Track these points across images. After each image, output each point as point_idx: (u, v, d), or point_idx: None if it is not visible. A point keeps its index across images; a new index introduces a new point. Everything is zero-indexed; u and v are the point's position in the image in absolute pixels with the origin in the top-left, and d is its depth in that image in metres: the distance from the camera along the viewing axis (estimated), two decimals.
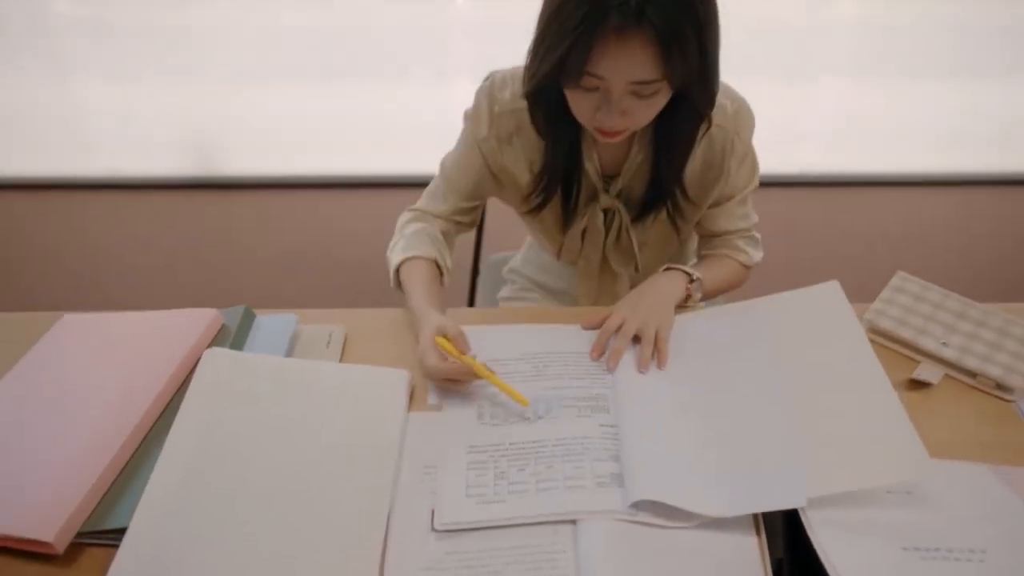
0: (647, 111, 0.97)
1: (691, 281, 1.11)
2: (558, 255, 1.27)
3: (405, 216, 1.21)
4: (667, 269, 1.13)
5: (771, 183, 2.56)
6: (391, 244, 1.17)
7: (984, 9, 2.25)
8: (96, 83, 2.40)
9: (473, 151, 1.15)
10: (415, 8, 2.23)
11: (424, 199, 1.21)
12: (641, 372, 0.98)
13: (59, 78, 2.37)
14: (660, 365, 0.99)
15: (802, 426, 0.88)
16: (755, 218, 1.23)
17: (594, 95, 0.95)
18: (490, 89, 1.13)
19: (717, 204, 1.19)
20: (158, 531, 0.77)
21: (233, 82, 2.40)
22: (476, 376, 0.94)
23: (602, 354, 1.02)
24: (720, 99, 1.03)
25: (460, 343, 0.95)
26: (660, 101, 0.96)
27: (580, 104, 0.98)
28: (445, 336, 0.95)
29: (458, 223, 1.21)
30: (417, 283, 1.08)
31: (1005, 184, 2.56)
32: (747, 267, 1.24)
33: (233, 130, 2.52)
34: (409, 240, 1.14)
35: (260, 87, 2.41)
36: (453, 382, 0.96)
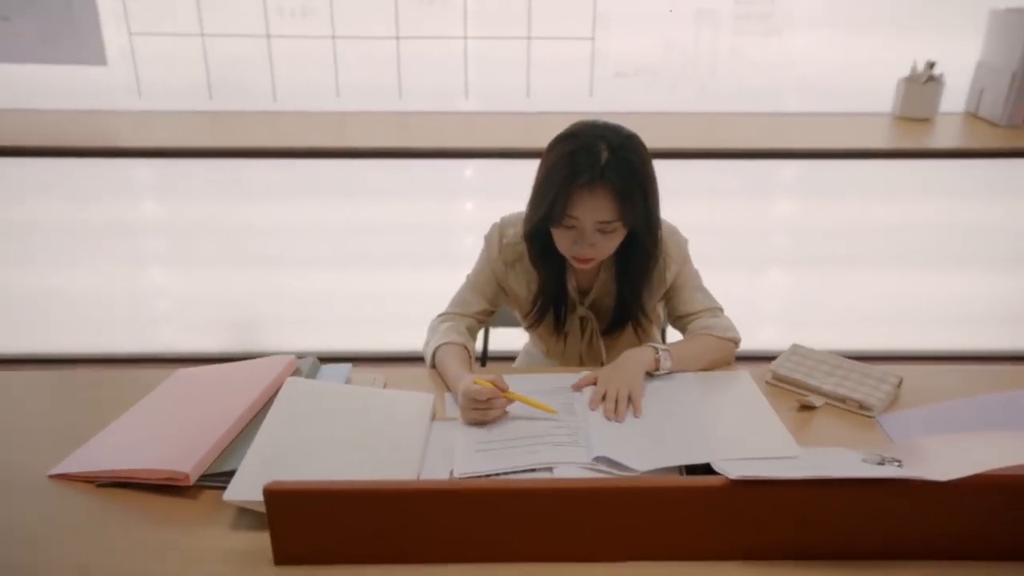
0: (609, 244, 1.40)
1: (658, 352, 1.40)
2: (547, 353, 1.67)
3: (436, 320, 1.58)
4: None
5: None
6: (426, 341, 1.53)
7: (889, 210, 2.80)
8: (160, 270, 2.91)
9: (487, 268, 1.57)
10: (429, 208, 2.78)
11: (452, 306, 1.59)
12: (612, 420, 1.26)
13: (134, 266, 2.87)
14: (636, 413, 1.28)
15: (714, 427, 1.25)
16: (718, 302, 1.56)
17: (572, 232, 1.39)
18: (501, 227, 1.56)
19: (672, 295, 1.55)
20: (258, 468, 1.11)
21: (274, 268, 2.89)
22: (508, 399, 1.26)
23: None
24: None
25: (497, 382, 1.27)
26: (618, 237, 1.40)
27: (562, 239, 1.41)
28: (482, 380, 1.26)
29: (479, 321, 1.60)
30: (452, 358, 1.43)
31: (937, 360, 2.98)
32: (723, 339, 1.49)
33: (273, 310, 2.98)
34: (443, 333, 1.50)
35: (297, 273, 2.89)
36: (484, 411, 1.25)
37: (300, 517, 0.98)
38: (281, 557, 1.00)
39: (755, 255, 2.91)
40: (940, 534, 1.00)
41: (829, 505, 0.99)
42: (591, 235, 1.37)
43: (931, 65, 2.55)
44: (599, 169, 1.32)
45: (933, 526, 1.00)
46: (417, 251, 2.84)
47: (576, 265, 1.44)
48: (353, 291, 2.90)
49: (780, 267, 2.95)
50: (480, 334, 1.79)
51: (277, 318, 3.00)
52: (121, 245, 2.83)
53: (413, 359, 2.97)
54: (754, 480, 0.97)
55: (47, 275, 2.84)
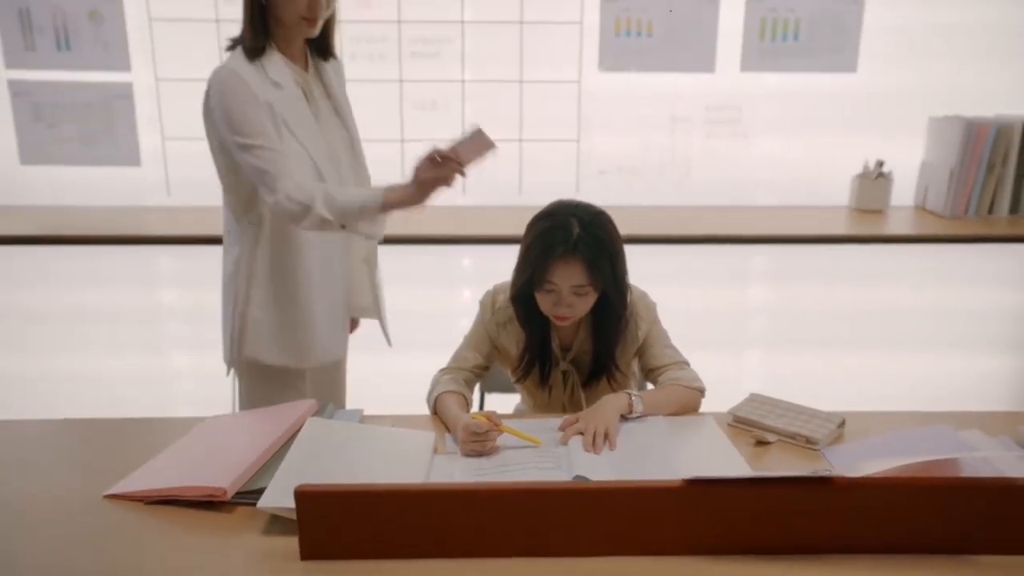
0: (583, 305, 1.64)
1: (631, 398, 1.61)
2: (533, 406, 1.87)
3: (438, 373, 1.78)
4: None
5: None
6: (429, 391, 1.73)
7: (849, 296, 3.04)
8: (183, 351, 3.12)
9: (482, 328, 1.80)
10: (431, 294, 3.02)
11: (452, 361, 1.80)
12: (589, 452, 1.46)
13: (154, 348, 3.08)
14: (611, 447, 1.48)
15: (679, 456, 1.45)
16: (684, 357, 1.77)
17: (551, 295, 1.63)
18: (494, 293, 1.81)
19: (643, 352, 1.77)
20: (286, 483, 1.29)
21: None
22: (500, 430, 1.47)
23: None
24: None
25: (492, 417, 1.48)
26: (591, 299, 1.64)
27: (544, 300, 1.66)
28: (479, 416, 1.47)
29: (476, 374, 1.81)
30: (451, 404, 1.62)
31: None
32: (690, 388, 1.67)
33: None
34: (444, 384, 1.70)
35: None
36: (481, 443, 1.46)
37: (326, 515, 1.16)
38: (307, 552, 1.18)
39: (730, 335, 3.13)
40: (873, 532, 1.19)
41: (776, 506, 1.17)
42: (568, 297, 1.61)
43: (880, 163, 2.85)
44: (572, 243, 1.56)
45: (866, 524, 1.18)
46: (419, 335, 3.06)
47: (556, 322, 1.67)
48: (359, 369, 3.10)
49: (755, 346, 3.17)
50: (475, 399, 1.99)
51: None
52: (141, 328, 3.04)
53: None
54: (705, 480, 1.17)
55: (77, 356, 3.05)
